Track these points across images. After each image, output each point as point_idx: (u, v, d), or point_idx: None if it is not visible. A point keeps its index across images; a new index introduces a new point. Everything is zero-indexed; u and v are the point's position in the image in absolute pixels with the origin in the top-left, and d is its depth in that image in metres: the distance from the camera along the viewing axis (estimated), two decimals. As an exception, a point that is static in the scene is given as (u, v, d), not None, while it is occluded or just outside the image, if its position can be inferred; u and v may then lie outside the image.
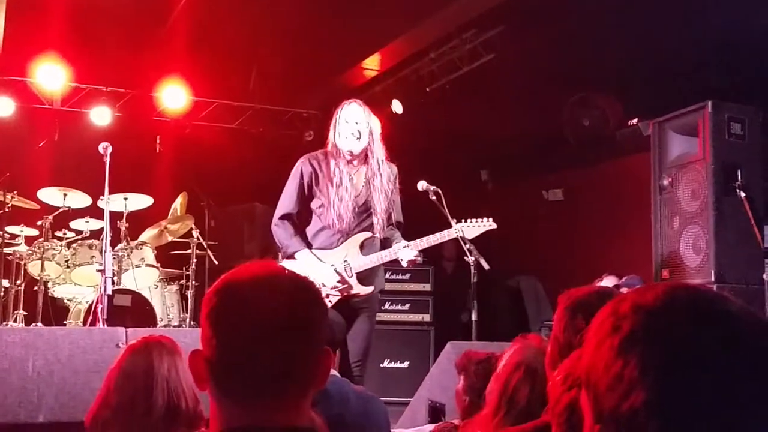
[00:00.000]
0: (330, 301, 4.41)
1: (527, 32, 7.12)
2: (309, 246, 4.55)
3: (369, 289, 4.56)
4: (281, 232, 4.54)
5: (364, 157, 4.55)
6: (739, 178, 5.44)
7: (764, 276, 5.18)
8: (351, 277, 4.50)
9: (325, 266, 4.46)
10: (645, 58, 6.84)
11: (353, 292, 4.52)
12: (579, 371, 1.68)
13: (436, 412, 4.39)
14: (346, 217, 4.47)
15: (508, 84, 7.87)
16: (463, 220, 4.78)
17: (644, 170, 6.39)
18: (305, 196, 4.55)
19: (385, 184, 4.58)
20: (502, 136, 9.00)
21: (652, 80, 6.97)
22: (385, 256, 4.55)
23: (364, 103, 4.72)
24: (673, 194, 5.82)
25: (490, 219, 4.86)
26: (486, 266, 4.95)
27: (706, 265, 5.44)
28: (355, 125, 4.48)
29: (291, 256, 4.51)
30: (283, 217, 4.56)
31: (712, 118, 5.58)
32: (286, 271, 1.48)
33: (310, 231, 4.59)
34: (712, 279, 5.37)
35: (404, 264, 4.61)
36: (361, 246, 4.55)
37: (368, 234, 4.55)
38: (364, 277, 4.55)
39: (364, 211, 4.54)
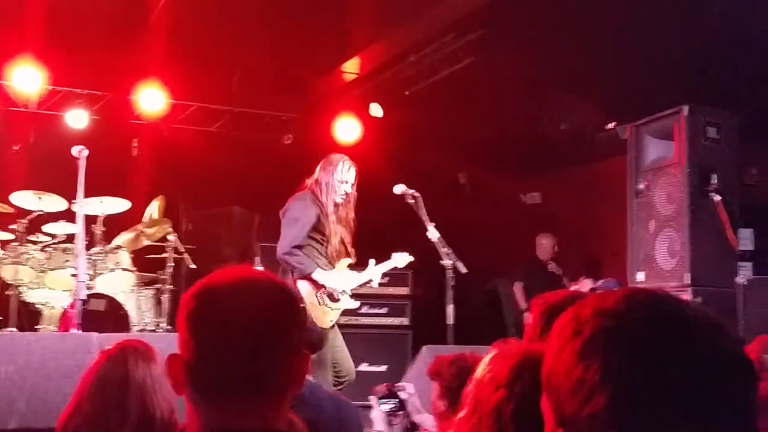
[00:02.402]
0: (337, 312, 5.53)
1: (506, 36, 7.15)
2: None
3: (357, 303, 5.74)
4: (299, 258, 5.37)
5: (345, 200, 5.57)
6: (715, 182, 5.50)
7: (737, 279, 5.23)
8: (346, 293, 5.59)
9: (336, 282, 5.46)
10: (623, 62, 6.89)
11: (349, 306, 5.67)
12: (501, 374, 1.68)
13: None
14: (335, 247, 5.51)
15: (486, 88, 7.89)
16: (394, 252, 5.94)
17: (621, 174, 6.44)
18: (310, 231, 5.44)
19: (351, 220, 5.63)
20: (480, 139, 9.03)
21: (629, 84, 7.02)
22: (366, 276, 5.70)
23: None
24: (649, 198, 5.87)
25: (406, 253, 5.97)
26: (463, 270, 5.01)
27: (681, 269, 5.49)
28: (350, 188, 5.52)
29: (307, 277, 5.35)
30: (297, 246, 5.40)
31: (688, 122, 5.64)
32: (265, 275, 1.48)
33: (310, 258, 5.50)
34: (687, 282, 5.42)
35: (375, 285, 5.90)
36: (349, 268, 5.63)
37: (350, 260, 5.61)
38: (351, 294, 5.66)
39: (342, 242, 5.59)
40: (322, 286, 5.40)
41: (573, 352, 0.96)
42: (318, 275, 5.35)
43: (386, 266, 5.83)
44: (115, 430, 2.44)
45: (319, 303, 5.38)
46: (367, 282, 5.74)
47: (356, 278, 5.65)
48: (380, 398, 3.14)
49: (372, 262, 5.78)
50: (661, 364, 0.91)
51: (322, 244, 5.48)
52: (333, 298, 5.47)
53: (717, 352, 0.93)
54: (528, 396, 1.61)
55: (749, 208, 6.42)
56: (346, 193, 5.49)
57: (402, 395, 3.20)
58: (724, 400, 0.92)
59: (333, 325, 5.50)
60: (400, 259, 5.88)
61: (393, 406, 3.16)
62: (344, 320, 7.89)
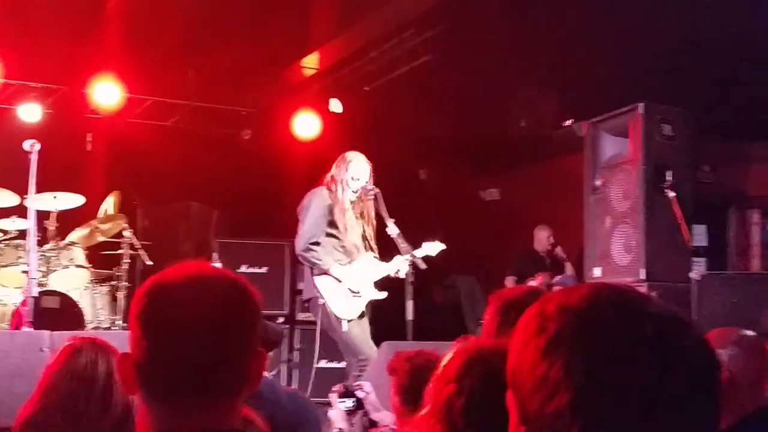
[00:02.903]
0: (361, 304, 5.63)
1: (465, 34, 7.17)
2: None
3: (384, 294, 5.70)
4: (316, 254, 5.53)
5: (362, 194, 5.66)
6: (669, 178, 5.58)
7: (691, 275, 5.32)
8: (370, 286, 5.66)
9: (355, 277, 5.55)
10: (580, 60, 6.96)
11: (374, 297, 5.69)
12: (452, 369, 1.69)
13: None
14: (354, 242, 5.61)
15: (446, 84, 7.92)
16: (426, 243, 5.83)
17: (578, 170, 6.51)
18: (325, 226, 5.57)
19: (372, 214, 5.70)
20: (440, 135, 9.06)
21: (586, 82, 7.09)
22: (390, 268, 5.63)
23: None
24: (606, 194, 5.94)
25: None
26: (423, 266, 5.04)
27: (636, 264, 5.57)
28: (361, 183, 5.60)
29: (326, 272, 5.52)
30: (314, 242, 5.54)
31: (644, 120, 5.71)
32: (219, 272, 1.46)
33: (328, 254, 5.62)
34: (642, 277, 5.49)
35: (402, 275, 5.64)
36: (371, 262, 5.68)
37: (373, 254, 5.69)
38: (378, 285, 5.73)
39: (361, 235, 5.69)
40: None
41: (537, 349, 0.95)
42: (335, 271, 5.50)
43: (415, 254, 5.79)
44: (95, 422, 2.39)
45: (351, 293, 5.56)
46: (396, 272, 5.67)
47: (379, 270, 5.67)
48: (339, 397, 3.13)
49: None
50: (624, 362, 0.91)
51: (339, 239, 5.59)
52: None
53: (681, 350, 0.93)
54: (477, 391, 1.61)
55: (702, 205, 6.54)
56: (361, 189, 5.59)
57: (359, 394, 3.19)
58: (689, 398, 0.92)
59: (362, 315, 5.67)
60: (431, 248, 5.86)
61: (351, 404, 3.15)
62: (303, 317, 7.93)
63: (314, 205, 5.61)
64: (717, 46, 6.59)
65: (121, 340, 3.97)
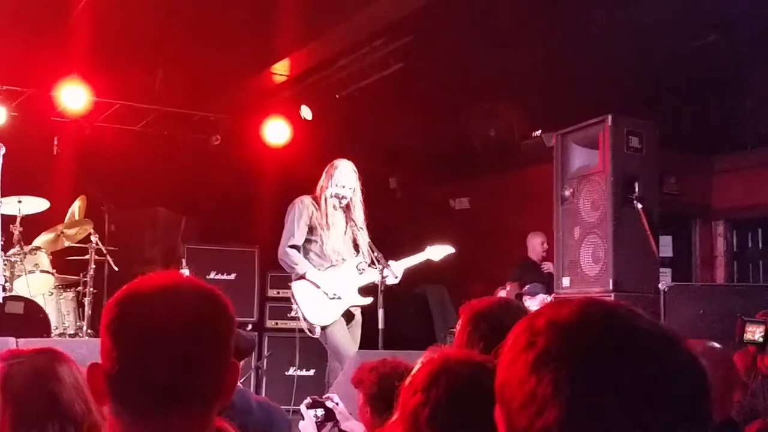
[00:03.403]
0: (339, 309, 5.62)
1: (436, 43, 7.21)
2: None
3: (368, 300, 5.67)
4: (293, 258, 5.65)
5: (347, 206, 5.78)
6: (637, 190, 5.65)
7: (660, 285, 5.38)
8: (354, 291, 5.66)
9: (333, 282, 5.60)
10: (549, 71, 7.03)
11: (358, 303, 5.71)
12: (419, 379, 1.69)
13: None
14: (338, 248, 5.71)
15: (416, 93, 7.95)
16: (429, 245, 6.12)
17: (547, 180, 6.56)
18: (307, 231, 5.69)
19: (360, 221, 5.79)
20: (410, 144, 9.08)
21: (555, 93, 7.17)
22: (377, 275, 5.59)
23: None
24: (574, 205, 5.99)
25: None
26: (396, 275, 5.07)
27: (605, 274, 5.62)
28: (348, 191, 5.73)
29: (302, 277, 5.59)
30: (292, 246, 5.66)
31: (612, 132, 5.77)
32: (192, 281, 1.44)
33: (311, 259, 5.72)
34: (610, 287, 5.55)
35: (390, 281, 5.66)
36: (357, 267, 5.73)
37: (360, 258, 5.74)
38: (362, 291, 5.72)
39: (347, 242, 5.79)
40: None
41: (525, 364, 0.95)
42: (311, 275, 5.58)
43: (414, 260, 5.93)
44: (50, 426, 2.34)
45: (328, 298, 5.58)
46: (384, 279, 5.63)
47: (362, 277, 5.71)
48: (308, 408, 3.12)
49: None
50: (612, 379, 0.90)
51: (320, 245, 5.70)
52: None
53: (669, 367, 0.93)
54: (443, 401, 1.62)
55: (668, 216, 6.62)
56: (345, 197, 5.71)
57: (328, 404, 3.18)
58: (677, 415, 0.91)
59: (348, 320, 5.71)
60: (435, 252, 6.03)
61: (321, 415, 3.14)
62: (272, 324, 7.89)
63: (295, 211, 5.72)
64: (681, 59, 6.70)
65: (90, 347, 3.94)
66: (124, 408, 1.33)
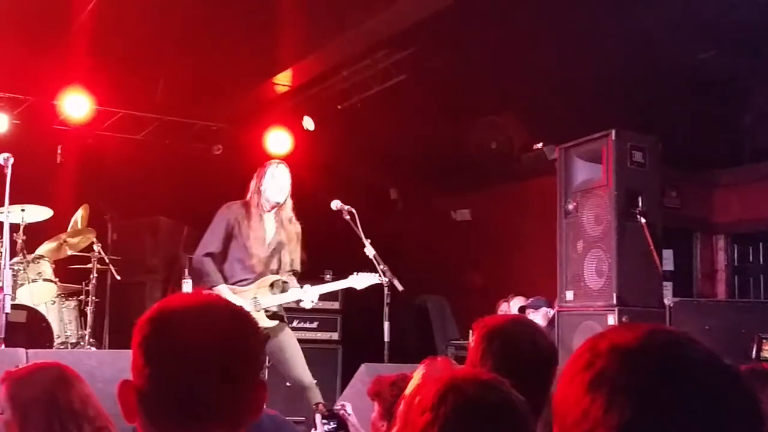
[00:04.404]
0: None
1: (437, 55, 7.24)
2: (226, 282, 5.26)
3: (274, 323, 5.29)
4: (205, 267, 5.26)
5: (280, 208, 5.40)
6: (640, 204, 5.68)
7: (666, 300, 5.40)
8: (258, 311, 5.20)
9: (239, 300, 5.01)
10: (551, 84, 7.06)
11: (260, 325, 4.91)
12: (428, 398, 1.70)
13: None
14: (260, 259, 5.28)
15: (418, 105, 7.97)
16: (355, 273, 5.52)
17: (548, 193, 6.58)
18: (227, 239, 5.30)
19: (292, 233, 5.42)
20: (412, 155, 9.10)
21: (556, 106, 7.20)
22: (290, 297, 5.36)
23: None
24: (578, 218, 6.01)
25: (379, 275, 5.44)
26: (400, 287, 5.06)
27: (608, 288, 5.64)
28: (285, 183, 5.37)
29: (210, 289, 5.02)
30: (207, 255, 5.29)
31: (615, 146, 5.80)
32: (223, 301, 1.45)
33: (228, 270, 5.31)
34: (614, 302, 5.56)
35: (306, 306, 5.42)
36: (271, 286, 5.32)
37: (277, 276, 5.35)
38: (270, 313, 5.33)
39: (274, 254, 5.36)
40: None
41: (582, 384, 0.97)
42: (221, 290, 5.08)
43: (334, 286, 5.63)
44: None
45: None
46: (298, 302, 5.42)
47: (276, 298, 5.33)
48: (322, 418, 3.13)
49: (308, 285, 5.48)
50: (665, 410, 0.92)
51: (242, 255, 5.28)
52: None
53: (727, 405, 0.93)
54: (451, 420, 1.63)
55: (669, 230, 6.65)
56: (276, 202, 5.34)
57: (344, 416, 3.19)
58: None
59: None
60: (359, 281, 5.47)
61: (335, 426, 3.14)
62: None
63: (218, 217, 5.37)
64: (682, 73, 6.74)
65: (99, 359, 3.94)
66: (155, 425, 1.35)
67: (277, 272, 5.37)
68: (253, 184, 5.38)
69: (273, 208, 5.38)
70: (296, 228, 5.47)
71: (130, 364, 1.38)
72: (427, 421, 1.66)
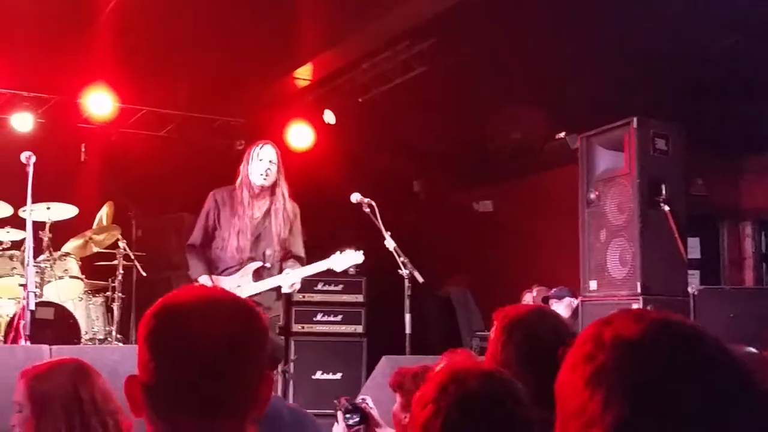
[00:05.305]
0: None
1: (458, 46, 7.20)
2: (211, 273, 5.09)
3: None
4: (188, 259, 5.18)
5: (271, 192, 5.15)
6: (664, 192, 5.61)
7: (689, 289, 5.33)
8: None
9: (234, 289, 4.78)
10: (572, 72, 6.99)
11: None
12: (429, 392, 1.69)
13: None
14: (245, 246, 5.05)
15: (439, 96, 7.94)
16: (338, 252, 5.19)
17: (571, 182, 6.53)
18: (210, 228, 5.18)
19: (283, 217, 5.15)
20: (433, 147, 9.08)
21: (579, 95, 7.13)
22: (271, 283, 5.07)
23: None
24: (600, 207, 5.95)
25: (361, 251, 5.19)
26: (420, 279, 5.03)
27: (632, 277, 5.58)
28: (268, 163, 5.09)
29: (195, 281, 4.98)
30: (189, 245, 5.22)
31: (638, 134, 5.73)
32: (228, 295, 1.45)
33: (215, 258, 5.16)
34: (638, 291, 5.51)
35: (285, 290, 5.12)
36: (255, 273, 5.06)
37: (260, 263, 5.08)
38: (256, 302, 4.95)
39: (261, 240, 5.11)
40: None
41: (583, 376, 0.95)
42: (202, 281, 4.98)
43: (316, 268, 5.16)
44: None
45: None
46: (290, 286, 5.09)
47: (257, 285, 5.05)
48: (345, 413, 3.13)
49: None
50: (661, 414, 0.88)
51: (224, 243, 5.09)
52: None
53: (731, 413, 0.89)
54: (453, 411, 1.63)
55: (695, 218, 6.56)
56: (260, 185, 5.07)
57: (366, 409, 3.19)
58: None
59: None
60: (340, 261, 5.12)
61: (357, 419, 3.15)
62: (298, 328, 7.91)
63: (204, 206, 5.26)
64: (708, 59, 6.64)
65: (122, 354, 3.97)
66: (161, 419, 1.35)
67: (266, 258, 5.11)
68: (241, 170, 5.18)
69: (261, 191, 5.12)
70: (293, 210, 5.24)
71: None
72: (430, 414, 1.66)
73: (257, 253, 5.10)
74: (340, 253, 5.14)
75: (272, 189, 5.14)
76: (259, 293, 5.01)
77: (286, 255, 5.19)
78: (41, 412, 2.42)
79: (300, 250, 5.27)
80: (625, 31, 6.34)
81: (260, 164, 5.08)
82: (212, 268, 5.12)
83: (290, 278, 5.02)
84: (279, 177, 5.15)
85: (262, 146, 5.17)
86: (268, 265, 5.11)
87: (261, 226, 5.12)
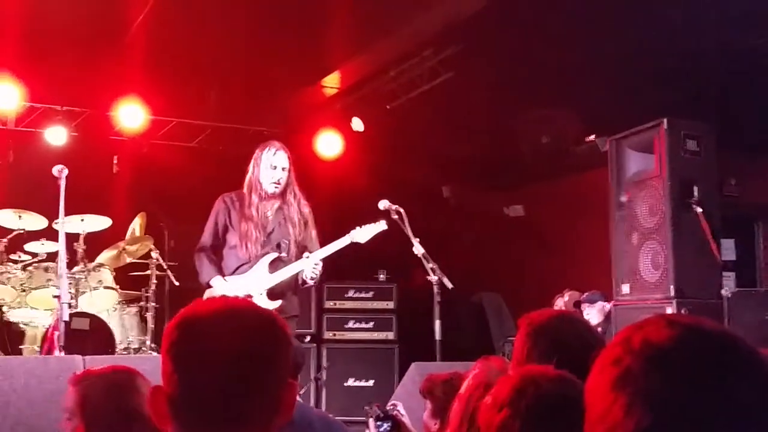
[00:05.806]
0: None
1: (485, 50, 7.18)
2: (223, 274, 5.03)
3: (277, 303, 4.87)
4: (197, 263, 5.11)
5: (282, 194, 5.08)
6: (695, 194, 5.53)
7: (723, 292, 5.25)
8: (261, 295, 4.91)
9: (235, 289, 4.89)
10: (602, 75, 6.94)
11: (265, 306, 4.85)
12: (503, 395, 1.69)
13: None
14: (256, 249, 4.97)
15: (467, 101, 7.92)
16: (358, 227, 5.10)
17: (602, 185, 6.48)
18: (221, 230, 5.13)
19: (295, 216, 5.06)
20: (463, 152, 9.05)
21: (608, 97, 7.07)
22: (290, 270, 4.96)
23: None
24: (632, 210, 5.89)
25: (383, 221, 5.14)
26: (449, 285, 5.00)
27: (665, 280, 5.51)
28: (281, 171, 5.03)
29: (208, 285, 4.99)
30: (199, 248, 5.16)
31: (668, 135, 5.67)
32: (249, 305, 1.46)
33: (226, 261, 5.09)
34: (672, 294, 5.43)
35: (308, 275, 4.95)
36: (271, 265, 4.97)
37: (276, 254, 4.99)
38: (274, 293, 4.97)
39: (273, 236, 5.03)
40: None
41: (609, 379, 0.93)
42: (216, 284, 4.94)
43: (336, 246, 5.06)
44: None
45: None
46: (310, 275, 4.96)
47: (274, 276, 4.96)
48: (376, 420, 3.13)
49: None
50: (683, 425, 0.86)
51: (239, 242, 5.01)
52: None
53: (760, 427, 0.86)
54: (533, 412, 1.64)
55: (729, 219, 6.46)
56: (272, 193, 5.01)
57: (397, 416, 3.19)
58: None
59: None
60: (362, 234, 5.03)
61: (389, 427, 3.14)
62: (329, 335, 7.94)
63: (213, 210, 5.21)
64: (739, 57, 6.54)
65: (154, 364, 4.00)
66: (187, 429, 1.36)
67: (281, 250, 5.05)
68: (249, 174, 5.14)
69: (272, 193, 5.06)
70: (304, 210, 5.15)
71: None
72: (507, 416, 1.67)
73: (271, 248, 5.03)
74: (360, 227, 5.06)
75: (283, 190, 5.09)
76: (279, 283, 4.95)
77: (302, 253, 5.07)
78: (91, 421, 2.44)
79: (315, 246, 5.14)
80: (655, 32, 6.28)
81: (273, 173, 5.02)
82: (225, 269, 5.07)
83: (311, 260, 4.90)
84: (290, 180, 5.09)
85: (275, 152, 5.08)
86: (284, 254, 5.03)
87: (273, 223, 5.05)
